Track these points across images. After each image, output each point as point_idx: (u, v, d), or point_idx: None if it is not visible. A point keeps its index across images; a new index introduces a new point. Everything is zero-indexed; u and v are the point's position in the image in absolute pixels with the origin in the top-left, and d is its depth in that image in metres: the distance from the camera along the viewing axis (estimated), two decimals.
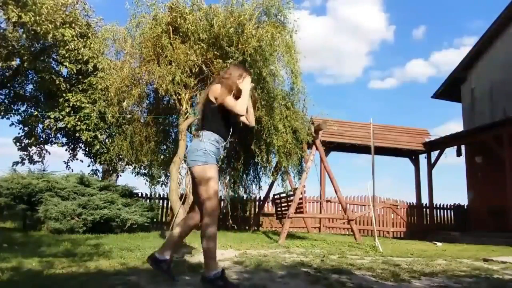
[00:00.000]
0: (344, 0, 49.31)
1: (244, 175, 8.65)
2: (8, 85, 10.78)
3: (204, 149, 2.62)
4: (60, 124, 9.63)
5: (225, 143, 2.76)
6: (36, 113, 10.05)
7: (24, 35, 8.95)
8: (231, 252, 4.63)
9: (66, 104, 9.53)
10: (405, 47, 47.86)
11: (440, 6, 43.69)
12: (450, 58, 43.44)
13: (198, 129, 2.81)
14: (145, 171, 9.26)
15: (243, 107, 2.71)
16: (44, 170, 8.80)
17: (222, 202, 10.75)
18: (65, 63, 9.41)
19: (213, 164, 2.63)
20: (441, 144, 11.40)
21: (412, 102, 49.52)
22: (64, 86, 9.67)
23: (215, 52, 6.35)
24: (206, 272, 2.60)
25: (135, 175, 9.65)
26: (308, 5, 50.50)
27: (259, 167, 8.48)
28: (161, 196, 10.63)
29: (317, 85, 46.74)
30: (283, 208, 8.94)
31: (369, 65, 51.62)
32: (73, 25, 9.37)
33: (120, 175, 11.61)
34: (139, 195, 9.95)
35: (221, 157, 2.73)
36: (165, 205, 10.66)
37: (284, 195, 8.77)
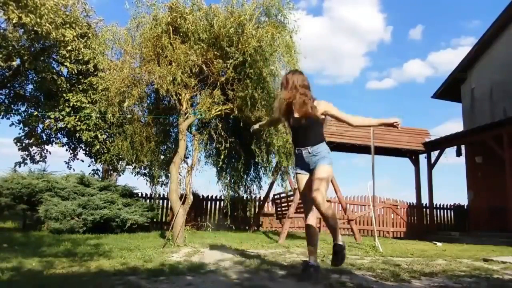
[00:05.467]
0: (341, 0, 49.39)
1: (245, 175, 8.65)
2: (8, 85, 10.77)
3: None
4: (60, 124, 9.62)
5: (300, 148, 3.17)
6: (36, 113, 10.04)
7: (24, 36, 8.94)
8: (231, 252, 4.63)
9: (66, 104, 9.53)
10: (403, 48, 47.98)
11: (437, 6, 43.73)
12: (448, 58, 43.54)
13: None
14: (145, 171, 9.25)
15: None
16: (44, 170, 8.82)
17: (222, 202, 10.77)
18: (65, 63, 9.41)
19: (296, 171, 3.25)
20: (441, 144, 11.40)
21: (410, 102, 49.60)
22: (65, 86, 9.67)
23: (215, 52, 6.35)
24: None
25: (135, 175, 9.65)
26: (304, 5, 50.61)
27: (259, 167, 8.49)
28: (161, 196, 10.64)
29: (315, 85, 46.53)
30: (283, 208, 8.94)
31: (366, 66, 51.74)
32: (74, 25, 9.37)
33: (121, 175, 11.62)
34: (139, 195, 9.96)
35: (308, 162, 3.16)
36: (165, 205, 10.67)
37: (284, 195, 8.77)
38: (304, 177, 3.15)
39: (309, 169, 3.11)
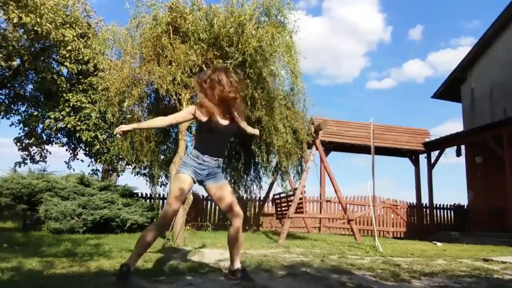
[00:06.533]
0: (340, 0, 49.39)
1: (245, 175, 8.65)
2: (8, 85, 10.78)
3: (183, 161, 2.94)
4: (60, 124, 9.63)
5: (211, 157, 2.85)
6: (36, 113, 10.05)
7: (24, 36, 8.95)
8: None
9: (66, 104, 9.54)
10: (402, 48, 47.99)
11: (437, 6, 43.72)
12: (448, 58, 43.55)
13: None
14: (145, 171, 9.26)
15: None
16: (44, 170, 8.81)
17: None
18: (65, 63, 9.42)
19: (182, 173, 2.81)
20: (441, 144, 11.40)
21: (410, 102, 49.61)
22: (65, 86, 9.69)
23: (215, 52, 6.34)
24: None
25: (135, 175, 9.65)
26: (303, 5, 50.63)
27: (259, 167, 8.48)
28: (161, 196, 10.65)
29: (314, 85, 46.81)
30: (283, 208, 8.94)
31: (366, 66, 51.74)
32: (74, 25, 9.37)
33: (121, 175, 11.63)
34: (139, 195, 9.96)
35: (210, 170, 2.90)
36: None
37: (284, 195, 8.77)
38: (189, 180, 2.78)
39: (201, 178, 2.85)
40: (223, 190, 2.93)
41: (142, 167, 9.04)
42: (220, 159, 2.90)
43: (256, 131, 3.17)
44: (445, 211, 12.62)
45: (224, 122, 2.82)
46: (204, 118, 2.74)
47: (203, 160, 2.81)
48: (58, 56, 9.96)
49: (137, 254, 2.78)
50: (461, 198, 15.22)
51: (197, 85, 2.90)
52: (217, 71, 2.82)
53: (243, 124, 2.99)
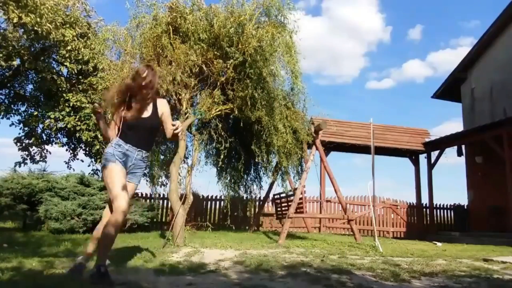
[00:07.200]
0: (340, 0, 49.36)
1: (245, 175, 8.65)
2: (8, 85, 10.78)
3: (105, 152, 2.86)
4: (60, 124, 9.63)
5: (133, 147, 2.86)
6: (36, 113, 10.05)
7: (24, 36, 8.94)
8: (231, 252, 4.63)
9: (66, 104, 9.54)
10: (402, 48, 47.92)
11: (436, 6, 43.68)
12: (447, 58, 43.49)
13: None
14: (145, 171, 9.26)
15: None
16: (44, 170, 8.81)
17: (222, 202, 10.77)
18: (65, 63, 9.42)
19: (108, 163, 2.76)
20: (441, 144, 11.40)
21: (410, 102, 49.57)
22: (65, 86, 9.68)
23: (215, 52, 6.35)
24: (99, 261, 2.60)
25: None
26: (303, 5, 50.64)
27: (259, 167, 8.49)
28: (161, 196, 10.65)
29: (314, 85, 46.71)
30: (283, 208, 8.94)
31: (366, 66, 51.68)
32: (74, 25, 9.37)
33: None
34: (139, 195, 9.96)
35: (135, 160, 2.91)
36: (165, 205, 10.68)
37: (284, 195, 8.77)
38: (120, 166, 2.77)
39: (126, 169, 2.84)
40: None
41: None
42: (143, 151, 2.92)
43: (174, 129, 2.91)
44: (445, 211, 12.61)
45: (142, 115, 2.85)
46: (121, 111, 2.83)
47: (126, 149, 2.83)
48: (58, 56, 9.95)
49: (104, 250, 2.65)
50: (461, 198, 15.23)
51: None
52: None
53: (168, 122, 2.99)
